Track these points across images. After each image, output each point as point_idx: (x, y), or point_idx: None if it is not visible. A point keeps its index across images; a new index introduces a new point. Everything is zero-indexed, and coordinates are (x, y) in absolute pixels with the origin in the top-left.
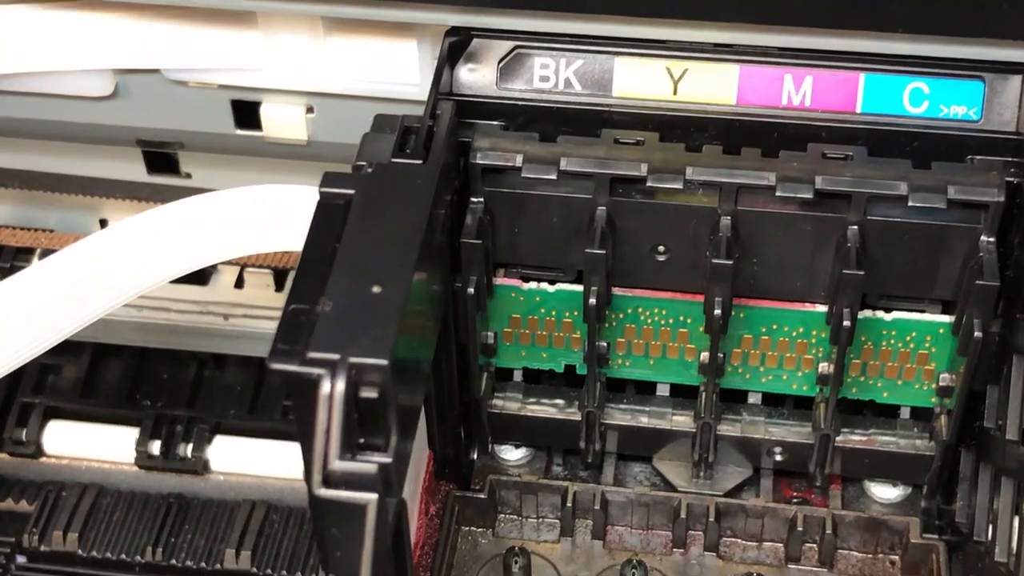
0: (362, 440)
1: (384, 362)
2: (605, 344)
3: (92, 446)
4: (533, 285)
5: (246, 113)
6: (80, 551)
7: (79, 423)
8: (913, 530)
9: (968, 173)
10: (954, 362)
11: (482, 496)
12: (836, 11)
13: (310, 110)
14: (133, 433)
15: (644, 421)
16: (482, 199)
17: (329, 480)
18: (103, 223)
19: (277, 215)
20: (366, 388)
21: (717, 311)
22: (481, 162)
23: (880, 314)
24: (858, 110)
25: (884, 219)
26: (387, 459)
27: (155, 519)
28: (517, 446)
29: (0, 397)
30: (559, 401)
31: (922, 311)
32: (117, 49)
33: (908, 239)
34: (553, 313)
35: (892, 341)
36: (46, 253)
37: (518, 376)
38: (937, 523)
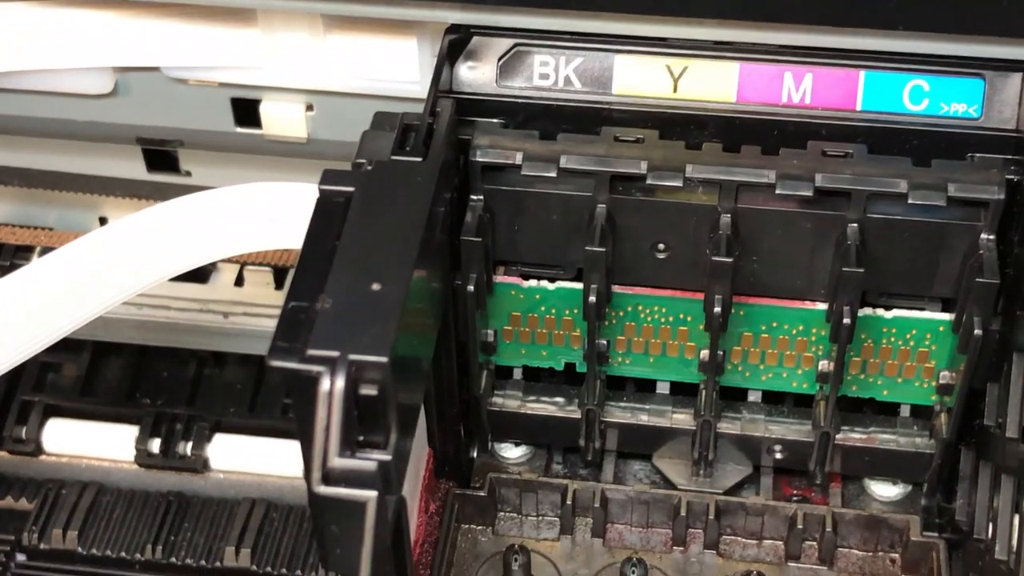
0: (362, 437)
1: (384, 359)
2: (605, 342)
3: (92, 444)
4: (533, 283)
5: (246, 111)
6: (80, 549)
7: (79, 421)
8: (913, 528)
9: (968, 171)
10: (954, 360)
11: (482, 494)
12: (836, 9)
13: (310, 108)
14: (133, 431)
15: (644, 419)
16: (482, 197)
17: (329, 477)
18: (103, 221)
19: (276, 212)
20: (366, 385)
21: (717, 309)
22: (481, 160)
23: (880, 312)
24: (858, 108)
25: (884, 217)
26: (387, 456)
27: (155, 517)
28: (517, 444)
29: (0, 395)
30: (559, 399)
31: (922, 309)
32: (117, 47)
33: (908, 237)
34: (553, 311)
35: (892, 339)
36: (46, 251)
37: (518, 374)
38: (937, 521)
